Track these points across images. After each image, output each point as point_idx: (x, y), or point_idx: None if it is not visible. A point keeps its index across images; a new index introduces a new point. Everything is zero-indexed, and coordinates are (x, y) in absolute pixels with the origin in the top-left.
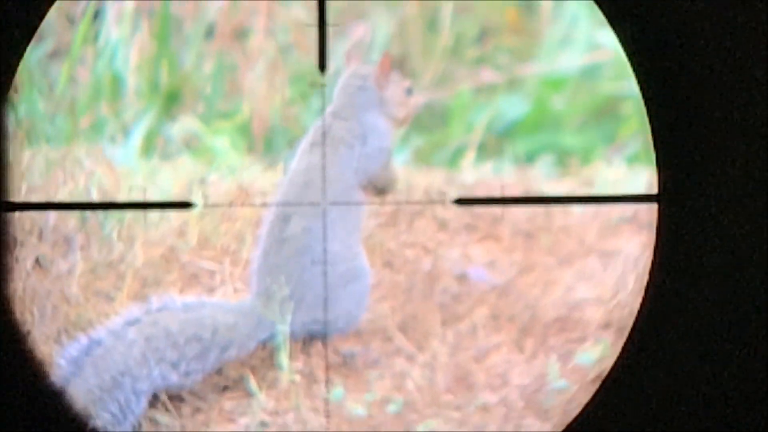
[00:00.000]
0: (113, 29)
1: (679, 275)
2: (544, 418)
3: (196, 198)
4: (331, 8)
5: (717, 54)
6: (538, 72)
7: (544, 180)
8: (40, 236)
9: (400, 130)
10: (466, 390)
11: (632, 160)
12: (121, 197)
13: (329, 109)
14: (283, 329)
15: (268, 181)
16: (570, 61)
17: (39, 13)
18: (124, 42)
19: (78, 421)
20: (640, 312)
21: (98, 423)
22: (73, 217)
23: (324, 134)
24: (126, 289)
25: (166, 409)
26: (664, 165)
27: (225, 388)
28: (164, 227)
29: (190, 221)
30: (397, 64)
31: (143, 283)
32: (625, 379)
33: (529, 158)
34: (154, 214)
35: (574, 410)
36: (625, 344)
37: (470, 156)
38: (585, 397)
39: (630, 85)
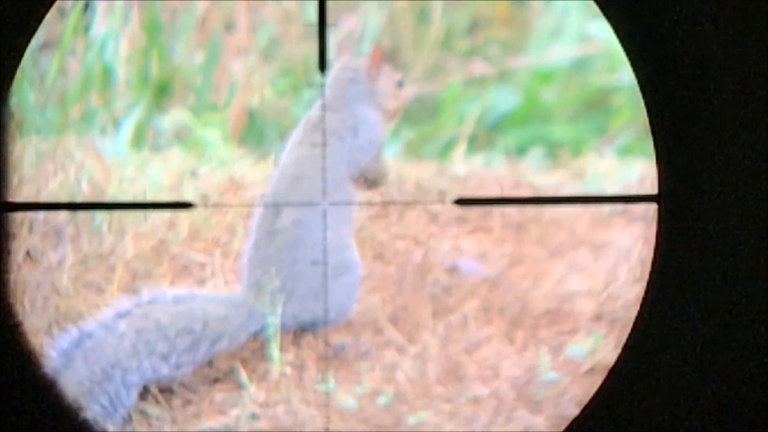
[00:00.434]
0: (103, 21)
1: (679, 275)
2: (535, 410)
3: (187, 190)
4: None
5: (717, 54)
6: (529, 64)
7: (534, 172)
8: (31, 228)
9: (391, 123)
10: (457, 382)
11: (623, 151)
12: (111, 189)
13: (320, 101)
14: (274, 321)
15: (259, 173)
16: (561, 53)
17: (39, 13)
18: (114, 33)
19: (70, 413)
20: (640, 312)
21: (89, 415)
22: (63, 209)
23: (321, 131)
24: (116, 281)
25: (157, 401)
26: (664, 165)
27: (216, 380)
28: (155, 219)
29: (181, 213)
30: (388, 56)
31: (134, 276)
32: (625, 379)
33: (521, 150)
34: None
35: (566, 402)
36: (625, 344)
37: (461, 148)
38: (577, 389)
39: (621, 76)
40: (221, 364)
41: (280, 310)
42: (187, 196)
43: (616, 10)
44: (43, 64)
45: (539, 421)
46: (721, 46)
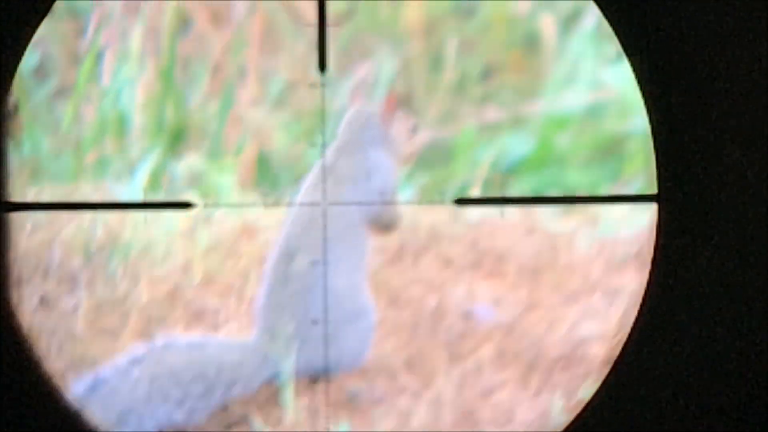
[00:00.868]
0: (119, 68)
1: (679, 275)
2: None
3: (201, 236)
4: (334, 37)
5: (717, 53)
6: (543, 110)
7: (548, 217)
8: (45, 274)
9: (404, 168)
10: (472, 427)
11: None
12: (126, 235)
13: (334, 145)
14: (288, 367)
15: (272, 218)
16: (574, 99)
17: (39, 12)
18: (129, 80)
19: (72, 415)
20: (639, 312)
21: None
22: (77, 255)
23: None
24: (131, 326)
25: None
26: (663, 165)
27: (230, 426)
28: (169, 264)
29: (195, 258)
30: (402, 102)
31: (148, 321)
32: (625, 378)
33: (535, 194)
34: (158, 251)
35: None
36: (625, 344)
37: (475, 193)
38: None
39: (634, 122)
40: (235, 409)
41: (293, 356)
42: (200, 242)
43: (615, 10)
44: (58, 111)
45: None
46: (720, 46)
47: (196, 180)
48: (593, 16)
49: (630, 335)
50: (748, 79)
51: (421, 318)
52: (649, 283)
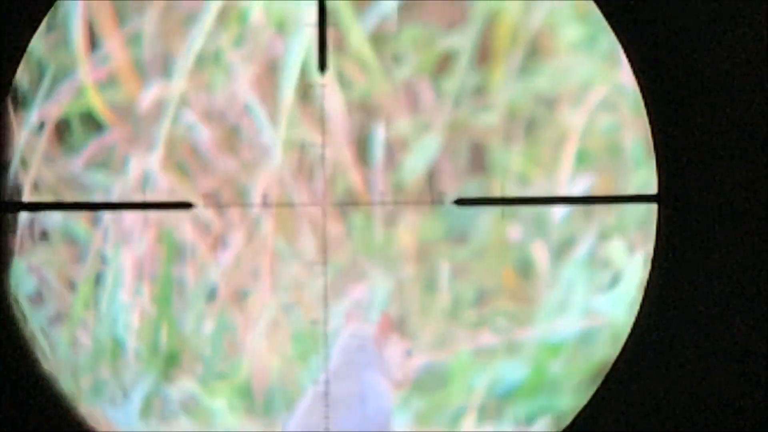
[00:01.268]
0: (114, 294)
1: (679, 275)
2: None
3: None
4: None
5: (717, 54)
6: (536, 336)
7: None
8: None
9: (399, 392)
10: None
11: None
12: None
13: (328, 369)
14: None
15: None
16: (567, 326)
17: (39, 12)
18: (124, 306)
19: (73, 417)
20: (639, 312)
21: None
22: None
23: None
24: None
25: None
26: (663, 165)
27: None
28: None
29: None
30: (396, 325)
31: None
32: (625, 378)
33: (529, 420)
34: None
35: None
36: (625, 344)
37: (471, 418)
38: None
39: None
40: None
41: None
42: None
43: (616, 11)
44: (54, 337)
45: None
46: (720, 47)
47: (189, 404)
48: (586, 244)
49: (630, 335)
50: (748, 80)
51: None
52: (648, 283)
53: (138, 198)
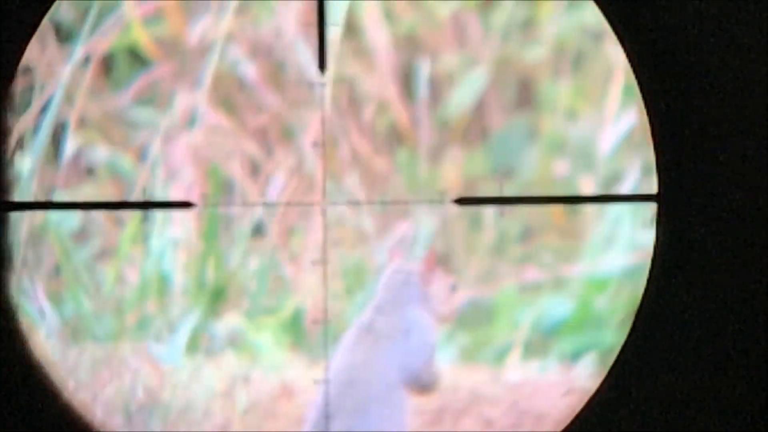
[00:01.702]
0: (162, 230)
1: (679, 274)
2: None
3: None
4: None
5: (716, 53)
6: (582, 272)
7: (586, 377)
8: None
9: (444, 327)
10: None
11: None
12: (166, 395)
13: (372, 304)
14: None
15: (310, 378)
16: (612, 261)
17: (39, 12)
18: (172, 242)
19: (78, 421)
20: (639, 311)
21: None
22: (118, 414)
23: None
24: None
25: None
26: (663, 165)
27: None
28: (208, 425)
29: (234, 419)
30: (441, 260)
31: None
32: (625, 378)
33: (574, 357)
34: (197, 412)
35: None
36: (625, 343)
37: (516, 354)
38: None
39: None
40: None
41: None
42: (239, 403)
43: (616, 11)
44: (100, 273)
45: None
46: (720, 46)
47: (235, 340)
48: (632, 180)
49: (629, 335)
50: (748, 79)
51: None
52: (648, 283)
53: (185, 133)
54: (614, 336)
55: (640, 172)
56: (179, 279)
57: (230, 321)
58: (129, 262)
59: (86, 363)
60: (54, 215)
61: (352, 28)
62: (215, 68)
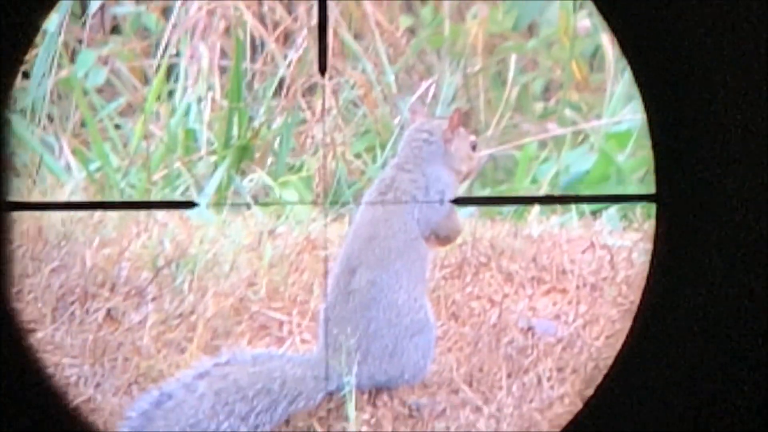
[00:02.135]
0: (187, 86)
1: (678, 274)
2: None
3: (266, 249)
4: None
5: (715, 53)
6: (603, 126)
7: (608, 233)
8: (112, 289)
9: (464, 184)
10: None
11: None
12: (193, 249)
13: (394, 162)
14: (350, 381)
15: (335, 232)
16: (634, 115)
17: (40, 12)
18: (197, 99)
19: (78, 421)
20: (638, 311)
21: None
22: (145, 269)
23: (388, 186)
24: (197, 340)
25: None
26: (662, 164)
27: None
28: (234, 278)
29: (260, 272)
30: (463, 118)
31: (213, 334)
32: (625, 378)
33: (594, 212)
34: (224, 265)
35: None
36: (624, 344)
37: (536, 209)
38: None
39: None
40: (298, 423)
41: (356, 369)
42: (265, 256)
43: (614, 10)
44: (125, 129)
45: None
46: (720, 46)
47: (260, 195)
48: None
49: (629, 335)
50: (747, 79)
51: (481, 333)
52: (647, 283)
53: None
54: (636, 190)
55: None
56: (205, 135)
57: (256, 177)
58: (155, 118)
59: (114, 219)
60: (80, 70)
61: None
62: None
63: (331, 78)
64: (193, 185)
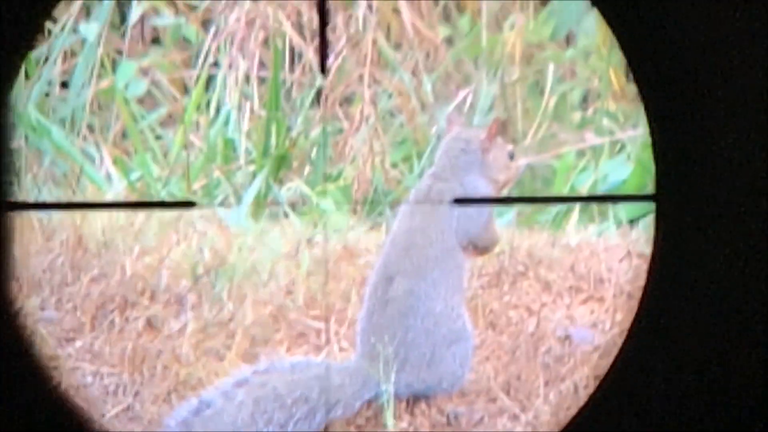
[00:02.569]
0: (226, 96)
1: (677, 274)
2: None
3: (303, 258)
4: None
5: (716, 53)
6: (640, 136)
7: (645, 242)
8: (152, 297)
9: (502, 193)
10: None
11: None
12: (232, 258)
13: (430, 171)
14: (388, 389)
15: (372, 241)
16: None
17: (41, 12)
18: (236, 108)
19: (81, 422)
20: (638, 311)
21: None
22: (185, 277)
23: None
24: (235, 348)
25: None
26: (661, 164)
27: None
28: (273, 286)
29: (298, 280)
30: (501, 127)
31: (252, 342)
32: (625, 378)
33: (632, 220)
34: (263, 273)
35: None
36: (624, 344)
37: (573, 218)
38: None
39: None
40: (336, 431)
41: (393, 377)
42: (303, 264)
43: (614, 10)
44: (166, 139)
45: None
46: (720, 46)
47: (298, 204)
48: None
49: (628, 335)
50: (747, 78)
51: (519, 341)
52: (647, 282)
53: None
54: None
55: None
56: (244, 145)
57: (293, 186)
58: (194, 128)
59: (154, 227)
60: (121, 80)
61: None
62: None
63: (369, 87)
64: (232, 194)
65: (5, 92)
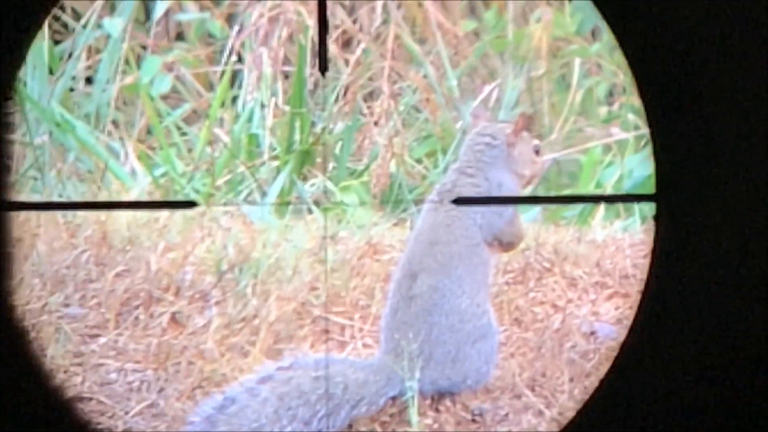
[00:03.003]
0: (250, 92)
1: (678, 274)
2: None
3: (327, 254)
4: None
5: (715, 52)
6: None
7: None
8: (177, 293)
9: (527, 188)
10: None
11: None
12: (256, 254)
13: (455, 166)
14: (413, 386)
15: (396, 237)
16: None
17: (41, 12)
18: (260, 104)
19: (79, 422)
20: (638, 311)
21: None
22: (209, 273)
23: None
24: (260, 344)
25: None
26: (662, 164)
27: None
28: (297, 282)
29: (322, 276)
30: (527, 122)
31: (276, 338)
32: (624, 378)
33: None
34: (287, 269)
35: None
36: (624, 343)
37: (599, 214)
38: None
39: None
40: (360, 428)
41: (418, 374)
42: (327, 260)
43: (613, 10)
44: (191, 135)
45: None
46: (720, 45)
47: (322, 199)
48: None
49: (628, 334)
50: (747, 78)
51: (544, 338)
52: (647, 282)
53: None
54: None
55: None
56: (268, 141)
57: (317, 182)
58: (219, 124)
59: (178, 223)
60: (145, 76)
61: None
62: None
63: (394, 82)
64: (256, 189)
65: (3, 94)
